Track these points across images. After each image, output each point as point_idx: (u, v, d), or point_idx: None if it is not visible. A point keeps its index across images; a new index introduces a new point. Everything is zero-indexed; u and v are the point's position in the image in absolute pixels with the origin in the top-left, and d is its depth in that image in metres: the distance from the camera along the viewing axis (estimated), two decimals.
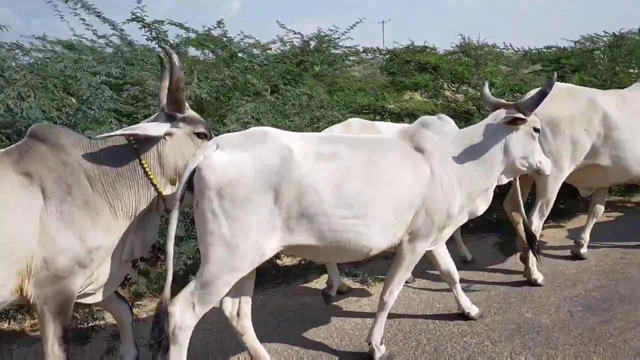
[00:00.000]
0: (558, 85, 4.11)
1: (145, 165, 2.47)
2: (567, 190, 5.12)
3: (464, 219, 3.11)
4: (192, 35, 7.03)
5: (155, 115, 2.65)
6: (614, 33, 7.54)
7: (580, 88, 4.32)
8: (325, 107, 5.52)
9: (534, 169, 3.10)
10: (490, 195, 3.12)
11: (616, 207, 6.25)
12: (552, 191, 4.02)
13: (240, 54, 8.56)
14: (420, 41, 9.98)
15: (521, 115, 2.90)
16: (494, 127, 2.96)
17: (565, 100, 4.00)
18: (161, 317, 2.41)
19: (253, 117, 4.45)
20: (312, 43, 8.20)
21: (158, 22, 6.39)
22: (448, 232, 3.10)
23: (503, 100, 3.24)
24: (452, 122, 3.07)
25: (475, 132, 2.98)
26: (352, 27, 8.62)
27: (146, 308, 3.73)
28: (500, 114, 3.00)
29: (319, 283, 4.26)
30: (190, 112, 2.63)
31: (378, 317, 3.01)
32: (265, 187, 2.40)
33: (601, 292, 3.85)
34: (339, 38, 8.50)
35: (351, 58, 8.39)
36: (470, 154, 2.90)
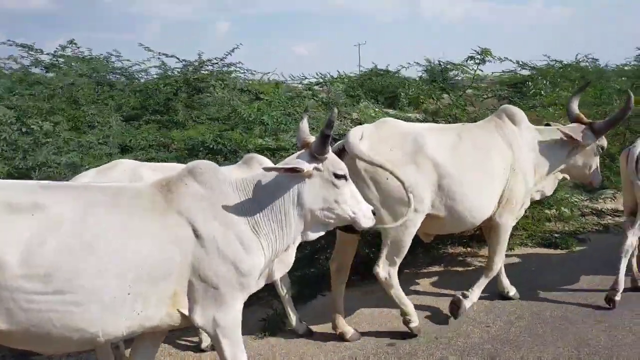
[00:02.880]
0: (389, 124, 3.69)
1: None
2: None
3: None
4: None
5: None
6: None
7: (412, 127, 3.72)
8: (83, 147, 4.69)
9: (348, 221, 2.64)
10: (291, 256, 2.71)
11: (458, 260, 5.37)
12: (399, 240, 3.57)
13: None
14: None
15: (297, 166, 2.49)
16: (283, 175, 2.54)
17: (390, 142, 3.54)
18: None
19: None
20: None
21: None
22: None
23: (313, 139, 2.67)
24: (257, 163, 2.71)
25: (264, 179, 2.56)
26: (229, 53, 8.82)
27: None
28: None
29: None
30: None
31: None
32: None
33: None
34: (217, 64, 8.54)
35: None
36: (260, 205, 2.52)
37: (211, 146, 5.44)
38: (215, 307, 2.40)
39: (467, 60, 5.30)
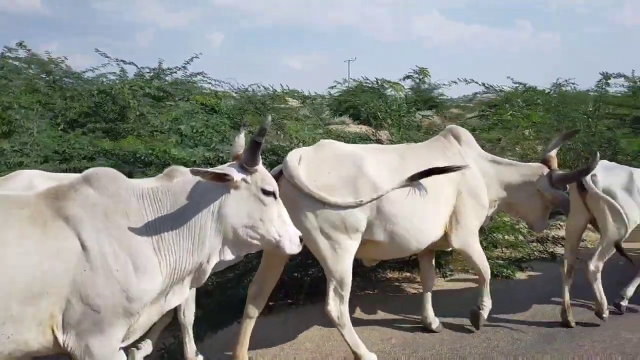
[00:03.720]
0: (328, 146, 3.53)
1: None
2: None
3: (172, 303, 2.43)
4: None
5: None
6: None
7: (352, 149, 3.57)
8: None
9: (272, 244, 2.45)
10: (206, 273, 2.43)
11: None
12: (341, 270, 3.35)
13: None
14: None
15: (226, 172, 2.32)
16: (206, 183, 2.34)
17: (329, 164, 3.38)
18: None
19: None
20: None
21: None
22: (146, 322, 2.38)
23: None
24: (180, 175, 2.34)
25: (181, 188, 2.35)
26: (188, 62, 8.81)
27: None
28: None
29: None
30: None
31: None
32: None
33: None
34: (175, 72, 8.47)
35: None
36: (171, 217, 2.29)
37: (142, 157, 5.20)
38: (92, 332, 2.15)
39: (404, 79, 5.13)
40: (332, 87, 7.70)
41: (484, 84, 9.08)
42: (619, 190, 4.08)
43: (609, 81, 7.74)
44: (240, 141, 2.62)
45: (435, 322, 4.04)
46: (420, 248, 3.70)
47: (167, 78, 8.87)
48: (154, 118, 4.97)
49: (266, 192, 2.42)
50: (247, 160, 2.39)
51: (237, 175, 2.35)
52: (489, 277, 4.02)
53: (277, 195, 2.49)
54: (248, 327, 3.55)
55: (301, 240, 2.56)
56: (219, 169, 2.42)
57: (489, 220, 4.34)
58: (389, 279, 5.33)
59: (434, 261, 4.29)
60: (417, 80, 4.86)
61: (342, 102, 9.46)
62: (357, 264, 4.09)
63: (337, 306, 3.37)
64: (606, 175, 4.11)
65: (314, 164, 3.35)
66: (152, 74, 8.66)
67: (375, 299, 4.87)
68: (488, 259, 5.44)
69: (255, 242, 2.44)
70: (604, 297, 4.08)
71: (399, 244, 3.55)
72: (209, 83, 9.11)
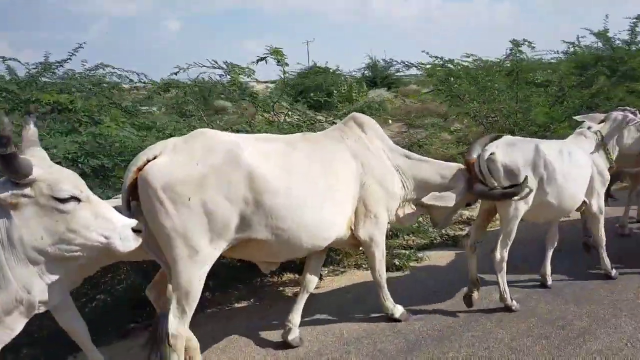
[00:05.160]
0: (202, 135, 3.10)
1: None
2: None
3: None
4: None
5: None
6: None
7: (230, 138, 3.17)
8: None
9: (101, 249, 2.14)
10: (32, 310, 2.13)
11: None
12: (189, 281, 2.89)
13: None
14: None
15: None
16: None
17: (199, 154, 2.95)
18: None
19: None
20: None
21: None
22: None
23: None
24: None
25: None
26: (73, 53, 8.13)
27: None
28: None
29: None
30: None
31: None
32: None
33: None
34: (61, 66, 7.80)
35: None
36: None
37: None
38: None
39: (257, 62, 4.66)
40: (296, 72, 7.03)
41: (402, 62, 8.88)
42: (521, 168, 3.81)
43: (520, 48, 7.43)
44: (30, 136, 2.24)
45: (294, 332, 3.63)
46: (318, 245, 3.38)
47: (66, 73, 8.17)
48: None
49: (62, 200, 2.06)
50: (9, 175, 1.99)
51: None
52: (384, 283, 3.83)
53: (81, 196, 2.11)
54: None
55: (139, 231, 2.20)
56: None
57: (409, 223, 4.10)
58: (274, 284, 4.93)
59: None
60: (280, 63, 4.43)
61: (295, 86, 9.03)
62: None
63: (175, 323, 2.92)
64: (507, 152, 3.84)
65: (182, 155, 2.94)
66: (38, 69, 7.95)
67: (253, 308, 4.46)
68: (388, 247, 5.15)
69: (78, 253, 2.11)
70: (506, 286, 3.92)
71: (288, 242, 3.17)
72: (117, 76, 8.44)
